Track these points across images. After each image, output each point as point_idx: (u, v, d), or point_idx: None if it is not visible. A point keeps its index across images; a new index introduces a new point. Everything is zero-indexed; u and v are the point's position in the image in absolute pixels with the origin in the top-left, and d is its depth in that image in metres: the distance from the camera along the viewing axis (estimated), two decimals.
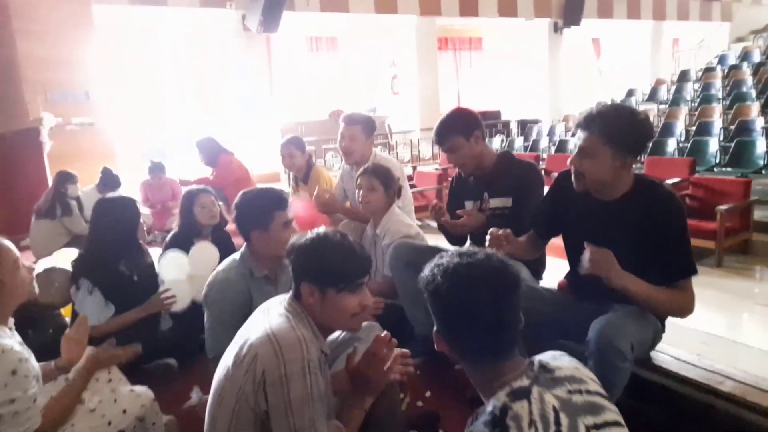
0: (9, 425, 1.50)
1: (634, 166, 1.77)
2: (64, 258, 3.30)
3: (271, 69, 10.28)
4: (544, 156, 7.84)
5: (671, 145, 6.95)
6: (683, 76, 11.29)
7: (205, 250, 2.78)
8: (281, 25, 8.97)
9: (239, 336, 1.48)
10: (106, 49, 8.24)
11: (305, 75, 12.32)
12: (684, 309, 1.73)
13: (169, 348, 2.54)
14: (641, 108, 9.97)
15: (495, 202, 2.39)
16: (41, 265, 3.14)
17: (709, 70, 11.10)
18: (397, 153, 10.03)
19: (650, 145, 7.40)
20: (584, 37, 14.66)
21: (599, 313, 1.72)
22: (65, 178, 4.74)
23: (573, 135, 8.63)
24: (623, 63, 15.50)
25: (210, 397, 1.45)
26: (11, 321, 1.74)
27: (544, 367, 1.10)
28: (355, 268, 1.47)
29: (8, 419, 1.50)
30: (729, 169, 6.22)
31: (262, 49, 9.69)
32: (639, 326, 1.69)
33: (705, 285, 4.46)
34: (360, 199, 2.70)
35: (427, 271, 1.14)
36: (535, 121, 11.57)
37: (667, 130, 7.77)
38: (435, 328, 1.15)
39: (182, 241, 2.90)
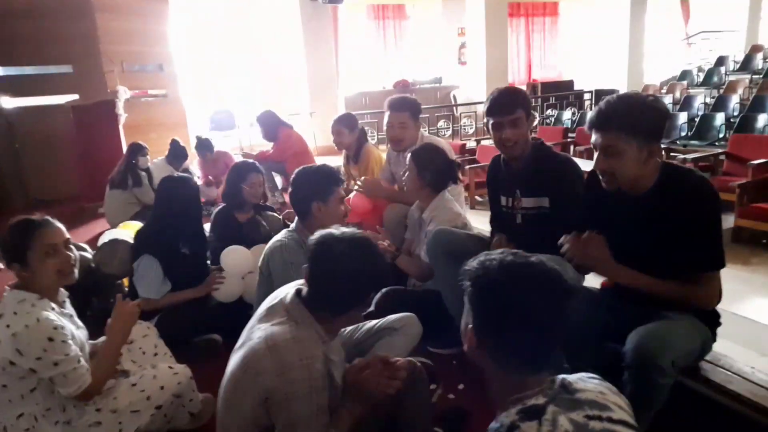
0: (62, 386, 1.64)
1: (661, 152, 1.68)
2: (130, 230, 3.49)
3: (337, 38, 10.24)
4: None
5: (762, 121, 6.31)
6: None
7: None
8: None
9: (245, 335, 1.47)
10: (178, 21, 8.49)
11: (371, 44, 12.20)
12: (701, 304, 1.64)
13: (216, 324, 2.64)
14: (731, 78, 9.18)
15: (527, 202, 2.24)
16: (108, 236, 3.33)
17: None
18: (461, 125, 9.80)
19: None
20: (671, 0, 13.55)
21: (642, 316, 1.62)
22: (137, 150, 4.96)
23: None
24: (715, 28, 14.20)
25: (218, 401, 1.46)
26: (64, 294, 1.85)
27: (565, 387, 1.04)
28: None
29: (60, 381, 1.63)
30: None
31: (327, 19, 9.65)
32: (685, 338, 1.57)
33: None
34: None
35: (475, 263, 1.08)
36: (612, 92, 10.87)
37: (759, 104, 7.08)
38: (468, 323, 1.09)
39: (226, 214, 3.01)
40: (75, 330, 1.78)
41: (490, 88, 10.56)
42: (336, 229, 1.44)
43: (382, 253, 1.48)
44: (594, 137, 1.67)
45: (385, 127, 3.09)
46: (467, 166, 6.36)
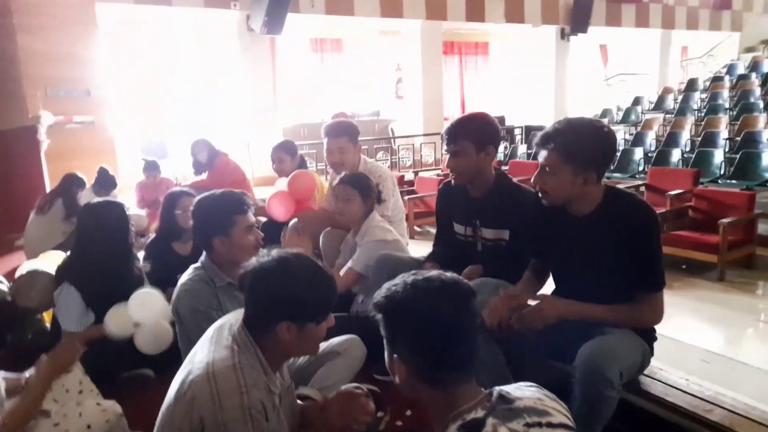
0: None
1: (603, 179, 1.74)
2: (50, 261, 3.24)
3: (275, 70, 10.23)
4: None
5: (675, 155, 6.86)
6: (691, 85, 11.19)
7: (146, 296, 2.47)
8: (286, 26, 8.93)
9: (188, 359, 1.41)
10: (109, 46, 8.20)
11: (309, 76, 12.26)
12: (647, 323, 1.73)
13: (146, 358, 2.47)
14: (647, 116, 9.88)
15: (488, 233, 2.24)
16: (26, 267, 3.09)
17: (717, 80, 11.00)
18: (399, 157, 9.97)
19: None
20: (592, 44, 14.56)
21: (586, 332, 1.66)
22: (75, 183, 4.69)
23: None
24: (630, 70, 15.37)
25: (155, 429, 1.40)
26: None
27: (503, 398, 1.06)
28: (331, 296, 1.41)
29: None
30: (734, 181, 6.12)
31: (265, 49, 9.64)
32: (629, 351, 1.62)
33: (706, 300, 4.44)
34: (337, 209, 2.65)
35: (381, 294, 1.11)
36: (540, 128, 11.41)
37: (672, 140, 7.67)
38: (390, 356, 1.10)
39: (161, 246, 2.85)
40: None
41: (426, 121, 10.91)
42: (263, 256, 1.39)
43: (312, 273, 1.38)
44: (539, 154, 1.74)
45: (325, 155, 3.06)
46: (406, 197, 6.44)
